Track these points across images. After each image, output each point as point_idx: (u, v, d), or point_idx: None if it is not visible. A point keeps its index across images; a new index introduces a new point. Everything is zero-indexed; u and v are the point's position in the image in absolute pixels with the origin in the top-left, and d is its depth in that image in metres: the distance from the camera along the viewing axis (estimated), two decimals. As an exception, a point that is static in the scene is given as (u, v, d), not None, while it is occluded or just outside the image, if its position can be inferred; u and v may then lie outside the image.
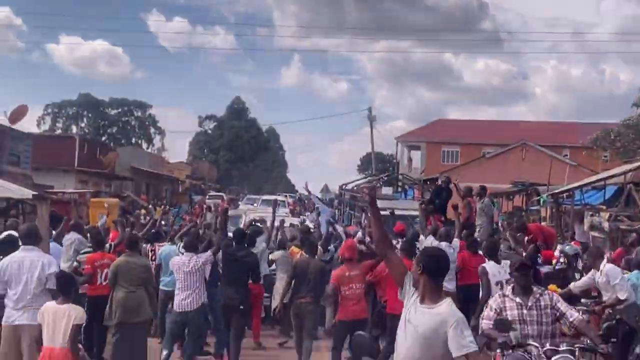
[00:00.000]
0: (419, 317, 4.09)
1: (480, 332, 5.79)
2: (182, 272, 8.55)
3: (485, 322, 5.89)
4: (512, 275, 6.14)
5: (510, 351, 5.64)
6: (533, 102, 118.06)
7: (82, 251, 9.94)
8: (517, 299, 5.85)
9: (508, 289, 6.07)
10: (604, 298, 8.32)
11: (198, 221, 14.23)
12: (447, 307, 4.07)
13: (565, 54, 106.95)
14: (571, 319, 5.73)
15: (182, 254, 8.89)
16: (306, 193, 25.37)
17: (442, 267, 4.25)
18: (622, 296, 8.03)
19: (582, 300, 8.69)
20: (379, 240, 4.54)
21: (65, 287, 6.37)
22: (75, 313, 6.15)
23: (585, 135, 33.02)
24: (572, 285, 8.85)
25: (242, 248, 9.15)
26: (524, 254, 10.28)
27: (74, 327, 6.07)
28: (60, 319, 6.06)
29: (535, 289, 5.94)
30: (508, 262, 8.55)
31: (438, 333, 3.99)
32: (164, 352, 8.51)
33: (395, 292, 4.54)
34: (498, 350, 5.80)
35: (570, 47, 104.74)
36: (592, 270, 8.64)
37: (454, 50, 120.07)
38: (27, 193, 11.01)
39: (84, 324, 7.06)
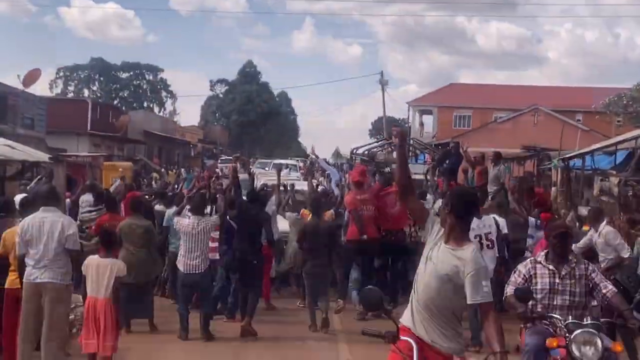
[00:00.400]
0: (441, 256, 4.00)
1: (503, 298, 5.49)
2: (189, 234, 8.58)
3: (510, 289, 5.45)
4: (550, 242, 5.65)
5: (530, 324, 5.41)
6: (546, 66, 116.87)
7: (84, 211, 10.20)
8: (551, 266, 5.45)
9: (541, 255, 5.64)
10: (600, 259, 8.48)
11: (211, 184, 14.25)
12: (470, 254, 3.93)
13: (580, 18, 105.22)
14: (604, 291, 5.35)
15: (189, 217, 8.93)
16: (314, 157, 25.42)
17: (470, 208, 4.16)
18: (625, 254, 8.24)
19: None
20: (402, 184, 4.44)
21: (108, 241, 7.06)
22: (117, 266, 6.77)
23: (598, 100, 32.77)
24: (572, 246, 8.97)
25: (255, 207, 9.34)
26: (530, 217, 10.46)
27: (116, 280, 6.67)
28: (103, 272, 6.66)
29: (571, 257, 5.56)
30: (491, 217, 8.71)
31: (456, 276, 3.90)
32: (181, 315, 8.74)
33: None
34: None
35: (585, 10, 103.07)
36: (591, 230, 8.78)
37: (467, 13, 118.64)
38: (44, 156, 11.20)
39: None
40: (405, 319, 4.13)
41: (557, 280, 5.41)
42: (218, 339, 8.76)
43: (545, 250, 5.69)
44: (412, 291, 4.17)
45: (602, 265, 8.36)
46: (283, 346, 8.69)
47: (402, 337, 3.99)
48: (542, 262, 5.54)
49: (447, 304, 3.98)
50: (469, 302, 3.87)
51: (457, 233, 4.02)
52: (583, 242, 8.91)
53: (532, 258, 5.80)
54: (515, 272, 5.65)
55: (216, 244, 9.69)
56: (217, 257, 9.69)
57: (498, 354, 3.66)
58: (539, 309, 5.38)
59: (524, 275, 5.52)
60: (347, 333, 9.04)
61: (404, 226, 10.22)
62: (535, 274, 5.50)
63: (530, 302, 5.34)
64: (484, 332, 3.90)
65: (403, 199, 4.49)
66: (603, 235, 8.40)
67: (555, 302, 5.39)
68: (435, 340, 3.96)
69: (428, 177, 16.11)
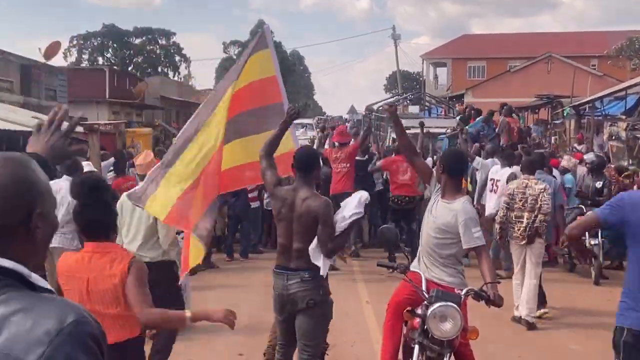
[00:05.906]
0: (439, 210, 4.60)
1: None
2: None
3: None
4: None
5: None
6: (560, 10, 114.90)
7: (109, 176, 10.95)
8: None
9: None
10: None
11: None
12: (460, 205, 4.52)
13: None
14: None
15: None
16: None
17: (460, 167, 4.84)
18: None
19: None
20: (405, 148, 5.17)
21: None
22: None
23: (614, 44, 32.49)
24: None
25: None
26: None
27: None
28: None
29: None
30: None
31: (451, 225, 4.48)
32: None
33: None
34: None
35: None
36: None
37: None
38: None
39: None
40: (414, 266, 4.73)
41: None
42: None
43: None
44: (419, 242, 4.84)
45: None
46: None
47: (412, 269, 4.63)
48: None
49: (446, 249, 4.56)
50: (464, 247, 4.52)
51: (450, 189, 4.63)
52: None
53: None
54: None
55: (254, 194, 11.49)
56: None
57: (489, 284, 4.29)
58: None
59: None
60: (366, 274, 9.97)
61: (413, 193, 10.40)
62: None
63: None
64: (480, 269, 4.48)
65: (408, 159, 5.19)
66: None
67: None
68: (440, 277, 4.54)
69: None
